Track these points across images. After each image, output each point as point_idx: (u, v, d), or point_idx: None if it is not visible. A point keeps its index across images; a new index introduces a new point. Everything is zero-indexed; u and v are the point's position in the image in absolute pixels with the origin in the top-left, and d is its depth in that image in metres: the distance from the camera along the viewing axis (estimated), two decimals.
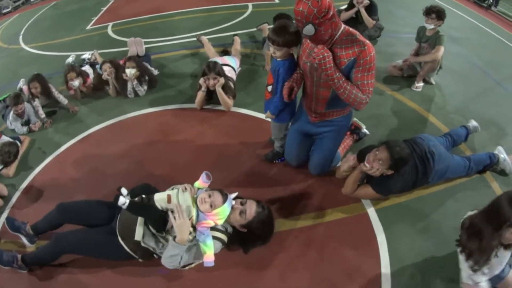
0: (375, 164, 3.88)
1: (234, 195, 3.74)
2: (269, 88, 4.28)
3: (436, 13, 6.10)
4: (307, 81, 4.12)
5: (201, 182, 3.82)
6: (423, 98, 6.12)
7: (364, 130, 5.22)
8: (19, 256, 3.83)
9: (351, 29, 3.60)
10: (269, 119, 4.65)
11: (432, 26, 6.17)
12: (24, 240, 4.08)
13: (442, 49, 6.17)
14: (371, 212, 4.27)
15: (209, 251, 3.46)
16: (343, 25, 3.57)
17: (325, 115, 4.25)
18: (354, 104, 3.71)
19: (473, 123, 5.26)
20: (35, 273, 3.90)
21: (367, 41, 3.55)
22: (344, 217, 4.22)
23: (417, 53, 6.62)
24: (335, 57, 3.60)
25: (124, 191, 3.46)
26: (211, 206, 3.52)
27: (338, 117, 4.27)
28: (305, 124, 4.49)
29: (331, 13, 3.33)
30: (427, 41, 6.36)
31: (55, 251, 3.75)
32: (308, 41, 3.78)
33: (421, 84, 6.43)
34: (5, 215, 4.60)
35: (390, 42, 7.90)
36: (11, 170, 5.25)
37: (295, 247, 3.91)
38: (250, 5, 10.70)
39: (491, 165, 4.75)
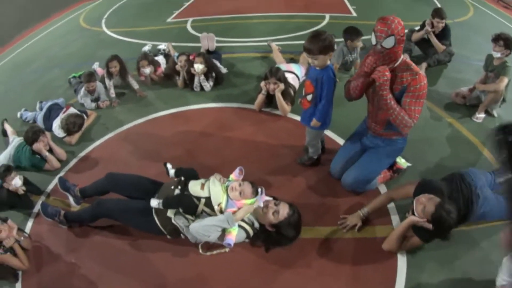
0: (417, 208, 3.73)
1: (263, 193, 4.03)
2: (309, 97, 4.43)
3: (504, 41, 5.92)
4: (370, 103, 4.48)
5: (234, 175, 4.28)
6: (482, 130, 5.88)
7: (405, 167, 5.07)
8: (62, 212, 4.33)
9: (408, 59, 4.00)
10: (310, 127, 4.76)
11: (499, 55, 5.98)
12: (71, 200, 4.60)
13: (506, 80, 5.97)
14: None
15: (233, 231, 3.82)
16: (402, 56, 3.94)
17: (383, 135, 4.52)
18: (400, 125, 4.05)
19: None
20: (74, 230, 4.39)
21: (420, 72, 3.93)
22: (369, 236, 4.20)
23: (484, 82, 6.40)
24: (392, 82, 3.96)
25: (155, 203, 3.89)
26: (240, 193, 3.94)
27: (395, 137, 4.49)
28: (362, 136, 4.78)
29: (404, 40, 3.84)
30: (494, 70, 6.17)
31: (95, 213, 4.21)
32: (370, 58, 4.15)
33: (482, 115, 6.19)
34: (59, 176, 5.07)
35: (460, 68, 7.74)
36: (74, 138, 5.85)
37: (314, 256, 4.00)
38: (327, 15, 10.86)
39: None
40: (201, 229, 3.76)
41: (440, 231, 3.66)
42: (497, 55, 5.99)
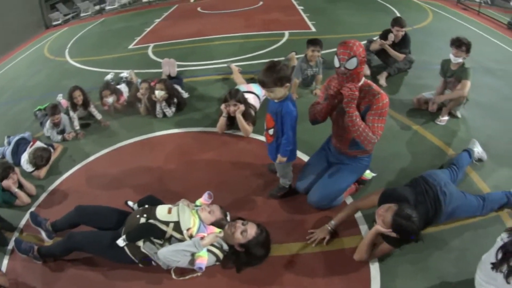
0: (379, 221, 3.79)
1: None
2: (270, 131, 4.39)
3: (466, 46, 6.01)
4: (334, 125, 4.66)
5: (203, 200, 4.39)
6: (446, 133, 6.04)
7: (370, 178, 5.16)
8: (36, 247, 4.38)
9: (368, 81, 4.25)
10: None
11: (460, 60, 6.08)
12: (43, 234, 4.64)
13: (468, 84, 6.03)
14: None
15: (203, 255, 3.90)
16: (364, 78, 4.18)
17: (348, 153, 4.69)
18: (364, 142, 4.17)
19: (478, 148, 5.30)
20: (48, 265, 4.42)
21: (382, 91, 4.14)
22: (340, 248, 4.22)
23: (444, 88, 6.53)
24: (357, 102, 4.16)
25: (121, 242, 4.00)
26: (209, 212, 4.13)
27: (359, 155, 4.68)
28: (328, 153, 4.95)
29: (365, 61, 4.12)
30: (453, 75, 6.27)
31: (67, 246, 4.28)
32: (335, 81, 4.32)
33: (446, 117, 6.31)
34: (30, 211, 5.14)
35: (420, 75, 7.99)
36: (42, 172, 5.91)
37: (286, 273, 3.99)
38: (286, 33, 11.12)
39: (509, 204, 4.56)
40: (169, 254, 3.85)
41: (406, 237, 3.70)
42: (458, 60, 6.08)
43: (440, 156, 5.51)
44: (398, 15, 11.51)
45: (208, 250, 3.99)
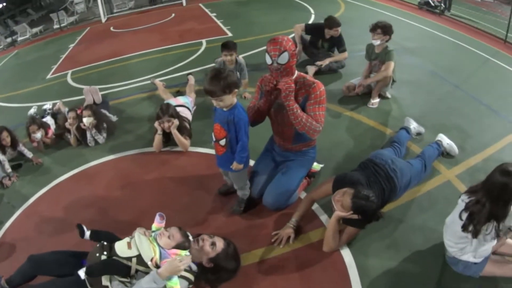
0: (337, 206, 3.92)
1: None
2: (222, 142, 4.26)
3: (381, 28, 6.33)
4: (273, 123, 4.75)
5: (156, 223, 4.16)
6: (380, 114, 6.33)
7: (319, 169, 5.32)
8: None
9: (301, 73, 4.40)
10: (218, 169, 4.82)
11: (378, 42, 6.41)
12: None
13: (392, 65, 6.37)
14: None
15: (175, 285, 3.71)
16: (296, 72, 4.33)
17: (292, 149, 4.79)
18: (310, 131, 4.26)
19: (413, 124, 5.62)
20: None
21: (316, 80, 4.31)
22: (307, 243, 4.30)
23: (370, 71, 6.87)
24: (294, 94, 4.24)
25: (82, 274, 3.76)
26: (169, 237, 3.92)
27: (304, 149, 4.79)
28: (273, 152, 5.04)
29: (296, 54, 4.21)
30: (377, 58, 6.60)
31: None
32: (268, 76, 4.37)
33: (376, 100, 6.64)
34: None
35: (345, 63, 8.22)
36: None
37: (262, 279, 3.99)
38: (204, 41, 11.19)
39: (440, 153, 5.17)
40: None
41: (369, 217, 3.87)
42: (377, 42, 6.43)
43: (379, 136, 5.80)
44: (311, 10, 11.81)
45: (179, 277, 3.81)
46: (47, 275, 4.20)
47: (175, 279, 3.72)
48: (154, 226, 4.22)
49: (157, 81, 8.44)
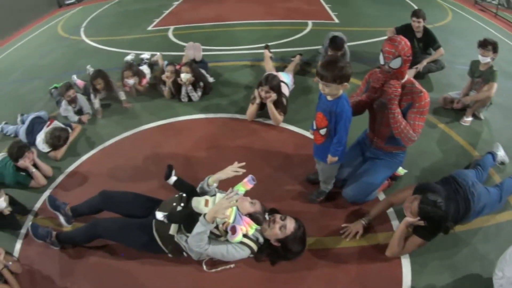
0: (407, 212, 3.85)
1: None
2: (322, 131, 4.14)
3: (493, 45, 6.03)
4: (372, 119, 4.54)
5: (247, 183, 3.97)
6: (471, 134, 6.03)
7: (402, 174, 5.19)
8: (54, 232, 4.15)
9: (412, 78, 4.14)
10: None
11: (488, 59, 6.08)
12: (62, 219, 4.40)
13: (495, 86, 6.06)
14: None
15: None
16: (407, 75, 4.07)
17: (384, 148, 4.57)
18: (405, 139, 4.11)
19: (501, 152, 5.31)
20: (67, 251, 4.20)
21: (424, 90, 4.04)
22: (373, 244, 4.23)
23: (470, 88, 6.55)
24: (399, 99, 4.04)
25: (160, 215, 3.77)
26: (250, 203, 3.92)
27: (395, 151, 4.56)
28: (364, 146, 4.85)
29: (410, 60, 3.92)
30: (481, 76, 6.28)
31: (90, 233, 4.04)
32: (379, 74, 4.12)
33: (470, 118, 6.31)
34: (47, 193, 4.94)
35: (444, 73, 7.77)
36: (59, 153, 5.65)
37: (320, 267, 3.97)
38: (310, 22, 10.89)
39: None
40: (193, 240, 3.65)
41: (435, 224, 3.72)
42: (486, 60, 6.10)
43: (465, 156, 5.53)
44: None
45: (243, 243, 3.82)
46: (114, 212, 4.27)
47: (239, 237, 3.68)
48: (241, 185, 4.01)
49: (267, 51, 8.19)
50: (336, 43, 7.05)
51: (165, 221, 3.76)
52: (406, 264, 3.96)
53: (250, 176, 3.96)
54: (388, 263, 3.97)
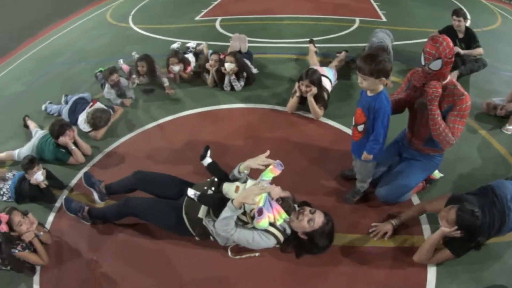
0: (442, 222, 3.75)
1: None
2: (360, 127, 4.09)
3: None
4: (412, 119, 4.44)
5: (274, 168, 3.90)
6: None
7: (438, 178, 5.04)
8: (87, 208, 4.27)
9: (454, 79, 4.02)
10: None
11: None
12: (96, 196, 4.52)
13: None
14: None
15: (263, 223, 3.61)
16: (449, 76, 3.95)
17: (421, 150, 4.47)
18: (443, 142, 4.03)
19: None
20: (97, 227, 4.32)
21: (466, 93, 3.93)
22: (400, 246, 4.15)
23: None
24: (439, 99, 3.93)
25: (191, 192, 3.78)
26: (280, 189, 3.92)
27: (432, 153, 4.45)
28: (401, 146, 4.75)
29: (452, 61, 3.78)
30: None
31: (122, 211, 4.12)
32: (421, 74, 4.05)
33: None
34: (84, 171, 5.03)
35: (489, 79, 7.57)
36: (99, 133, 5.79)
37: (345, 264, 3.95)
38: (357, 19, 10.78)
39: None
40: (219, 224, 3.67)
41: (470, 235, 3.65)
42: None
43: (505, 166, 5.27)
44: (467, 16, 10.97)
45: (269, 232, 3.82)
46: (147, 192, 4.35)
47: (265, 222, 3.61)
48: (269, 172, 3.94)
49: (311, 45, 8.16)
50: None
51: (195, 199, 3.78)
52: (431, 270, 3.89)
53: (277, 162, 3.91)
54: (413, 268, 3.90)
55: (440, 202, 4.06)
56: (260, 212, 3.55)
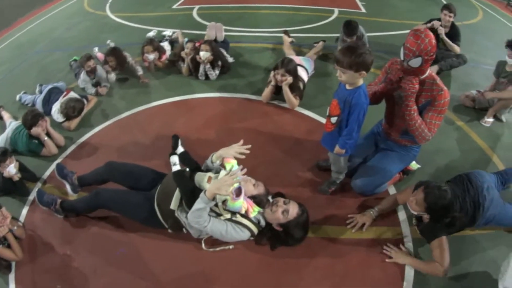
0: (411, 205, 3.78)
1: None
2: (333, 119, 4.00)
3: None
4: (388, 111, 4.44)
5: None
6: (491, 136, 5.85)
7: (415, 169, 5.07)
8: (59, 200, 4.21)
9: (434, 73, 3.95)
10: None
11: None
12: (68, 188, 4.49)
13: None
14: (407, 239, 4.14)
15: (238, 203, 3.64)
16: (429, 70, 3.89)
17: (398, 141, 4.48)
18: (419, 137, 4.04)
19: None
20: (70, 220, 4.28)
21: (445, 88, 3.89)
22: (378, 238, 4.15)
23: (494, 88, 6.41)
24: (417, 94, 3.89)
25: (175, 159, 3.74)
26: (254, 185, 3.90)
27: (409, 145, 4.45)
28: (378, 137, 4.76)
29: (433, 58, 3.72)
30: (507, 76, 6.15)
31: (93, 203, 4.07)
32: (398, 67, 4.04)
33: (491, 119, 6.14)
34: (57, 162, 5.00)
35: (468, 72, 7.66)
36: (72, 124, 5.72)
37: (321, 256, 3.94)
38: (336, 10, 10.81)
39: None
40: (192, 216, 3.60)
41: (441, 212, 3.61)
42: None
43: (484, 159, 5.36)
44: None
45: (243, 225, 3.79)
46: (120, 183, 4.31)
47: (239, 203, 3.64)
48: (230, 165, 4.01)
49: (286, 36, 8.18)
50: (350, 26, 7.02)
51: (175, 168, 3.88)
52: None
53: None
54: (390, 259, 3.88)
55: (408, 191, 4.06)
56: (239, 191, 3.54)
